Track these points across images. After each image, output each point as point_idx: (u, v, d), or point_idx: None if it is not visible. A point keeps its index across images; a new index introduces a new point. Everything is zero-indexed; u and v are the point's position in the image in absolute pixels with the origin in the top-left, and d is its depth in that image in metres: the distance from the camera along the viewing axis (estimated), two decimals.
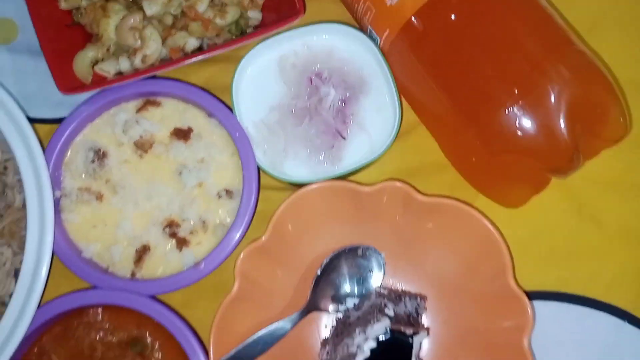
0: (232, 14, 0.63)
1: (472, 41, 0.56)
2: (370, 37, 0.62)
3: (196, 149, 0.61)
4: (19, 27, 0.68)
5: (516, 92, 0.53)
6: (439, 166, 0.64)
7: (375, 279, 0.61)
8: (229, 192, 0.61)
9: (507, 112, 0.53)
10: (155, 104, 0.62)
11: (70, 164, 0.61)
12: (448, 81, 0.57)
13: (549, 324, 0.62)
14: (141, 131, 0.62)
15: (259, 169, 0.60)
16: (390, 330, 0.53)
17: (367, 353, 0.52)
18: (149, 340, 0.58)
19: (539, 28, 0.57)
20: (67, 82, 0.60)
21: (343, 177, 0.62)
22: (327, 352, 0.57)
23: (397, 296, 0.60)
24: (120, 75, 0.62)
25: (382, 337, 0.52)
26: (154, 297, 0.59)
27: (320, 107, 0.61)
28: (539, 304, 0.62)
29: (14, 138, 0.58)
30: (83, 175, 0.61)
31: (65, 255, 0.58)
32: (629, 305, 0.63)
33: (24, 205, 0.59)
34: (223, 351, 0.57)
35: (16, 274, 0.58)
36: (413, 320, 0.56)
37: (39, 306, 0.56)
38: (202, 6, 0.62)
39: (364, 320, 0.56)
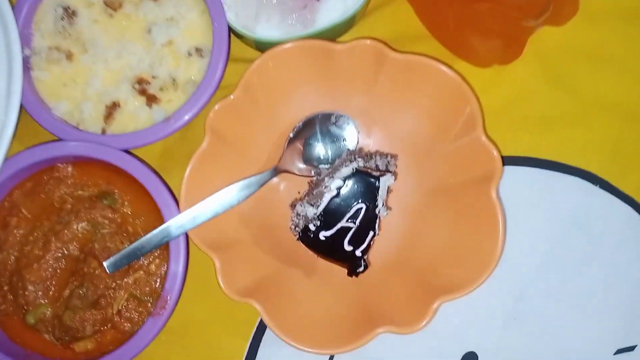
0: None
1: None
2: None
3: (166, 7, 0.60)
4: None
5: None
6: (415, 37, 0.64)
7: (348, 146, 0.62)
8: (199, 50, 0.60)
9: None
10: None
11: (39, 23, 0.61)
12: None
13: (520, 188, 0.62)
14: None
15: (229, 30, 0.60)
16: (358, 171, 0.53)
17: (334, 191, 0.53)
18: (118, 195, 0.59)
19: None
20: None
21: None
22: (297, 214, 0.57)
23: (368, 155, 0.60)
24: None
25: (349, 173, 0.52)
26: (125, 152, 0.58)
27: None
28: (510, 169, 0.62)
29: None
30: (53, 34, 0.60)
31: (35, 110, 0.58)
32: (600, 170, 0.63)
33: None
34: (193, 203, 0.57)
35: None
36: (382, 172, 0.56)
37: (7, 158, 0.56)
38: None
39: (333, 171, 0.56)
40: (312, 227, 0.54)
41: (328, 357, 0.60)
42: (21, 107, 0.57)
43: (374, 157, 0.59)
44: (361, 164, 0.55)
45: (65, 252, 0.57)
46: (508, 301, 0.60)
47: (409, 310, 0.54)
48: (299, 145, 0.61)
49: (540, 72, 0.64)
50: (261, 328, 0.60)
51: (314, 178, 0.61)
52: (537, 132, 0.63)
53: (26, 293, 0.55)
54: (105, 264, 0.54)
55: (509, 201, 0.60)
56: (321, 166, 0.61)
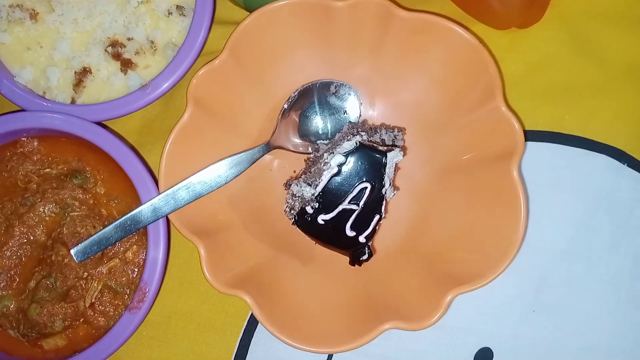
0: None
1: None
2: None
3: None
4: None
5: None
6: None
7: (350, 119, 0.55)
8: (180, 8, 0.53)
9: None
10: None
11: None
12: None
13: (542, 167, 0.56)
14: None
15: None
16: (362, 145, 0.47)
17: (335, 168, 0.46)
18: (90, 174, 0.52)
19: None
20: None
21: None
22: (293, 195, 0.51)
23: (372, 128, 0.54)
24: None
25: (351, 148, 0.46)
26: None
27: None
28: (531, 145, 0.56)
29: None
30: None
31: None
32: (629, 146, 0.57)
33: None
34: (174, 183, 0.51)
35: None
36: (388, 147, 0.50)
37: None
38: None
39: (334, 146, 0.50)
40: (309, 210, 0.48)
41: (327, 355, 0.54)
42: None
43: (379, 131, 0.53)
44: (365, 137, 0.49)
45: (31, 237, 0.51)
46: (527, 291, 0.55)
47: (419, 304, 0.48)
48: (294, 117, 0.54)
49: (564, 37, 0.58)
50: (252, 323, 0.54)
51: (312, 155, 0.54)
52: (560, 104, 0.57)
53: None
54: (72, 251, 0.48)
55: (529, 181, 0.54)
56: (319, 141, 0.54)
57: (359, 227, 0.48)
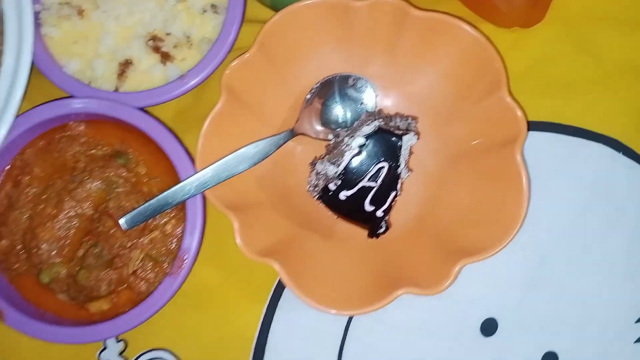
0: None
1: None
2: None
3: None
4: None
5: None
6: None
7: (367, 109, 0.60)
8: (213, 7, 0.58)
9: None
10: None
11: None
12: None
13: (543, 155, 0.61)
14: None
15: None
16: (380, 129, 0.52)
17: (356, 149, 0.51)
18: (132, 155, 0.57)
19: None
20: None
21: None
22: (317, 173, 0.56)
23: (387, 116, 0.58)
24: None
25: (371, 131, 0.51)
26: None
27: None
28: (533, 135, 0.61)
29: None
30: None
31: (46, 67, 0.57)
32: (624, 137, 0.61)
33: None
34: (209, 163, 0.55)
35: None
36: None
37: (18, 115, 0.54)
38: None
39: (353, 131, 0.55)
40: (332, 187, 0.53)
41: (346, 321, 0.59)
42: (32, 64, 0.56)
43: (394, 118, 0.58)
44: (382, 123, 0.53)
45: (79, 211, 0.56)
46: (529, 267, 0.59)
47: (430, 272, 0.52)
48: (316, 106, 0.59)
49: (564, 36, 0.62)
50: (277, 293, 0.59)
51: (332, 141, 0.59)
52: (560, 97, 0.62)
53: (40, 252, 0.54)
54: (121, 220, 0.53)
55: (531, 167, 0.58)
56: (338, 130, 0.59)
57: (377, 202, 0.53)
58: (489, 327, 0.59)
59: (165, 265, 0.56)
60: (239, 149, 0.56)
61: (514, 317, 0.59)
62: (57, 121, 0.57)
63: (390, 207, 0.53)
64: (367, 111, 0.59)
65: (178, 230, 0.56)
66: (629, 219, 0.60)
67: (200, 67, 0.57)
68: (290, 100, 0.61)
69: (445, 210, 0.58)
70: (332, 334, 0.59)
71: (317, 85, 0.60)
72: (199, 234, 0.54)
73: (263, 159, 0.57)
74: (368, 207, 0.53)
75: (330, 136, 0.59)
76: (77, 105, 0.55)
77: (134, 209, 0.54)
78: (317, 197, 0.54)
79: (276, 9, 0.59)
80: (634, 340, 0.59)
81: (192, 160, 0.56)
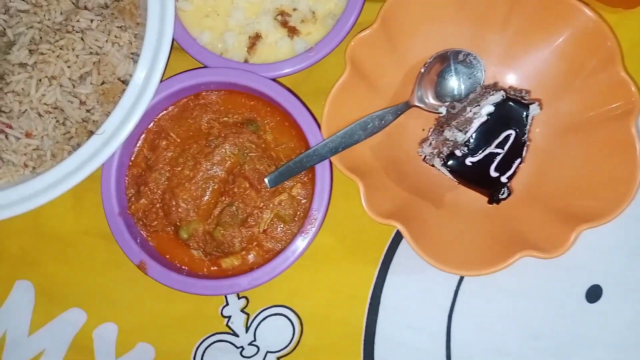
0: None
1: None
2: None
3: None
4: None
5: None
6: None
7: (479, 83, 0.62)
8: None
9: None
10: None
11: None
12: None
13: None
14: None
15: None
16: (508, 98, 0.54)
17: (484, 117, 0.54)
18: (261, 123, 0.61)
19: None
20: None
21: None
22: (445, 140, 0.58)
23: (503, 89, 0.61)
24: None
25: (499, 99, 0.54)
26: None
27: None
28: None
29: None
30: None
31: (182, 38, 0.60)
32: None
33: None
34: (333, 130, 0.59)
35: (134, 59, 0.60)
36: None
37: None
38: None
39: (473, 102, 0.58)
40: (458, 153, 0.56)
41: (456, 284, 0.62)
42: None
43: (508, 91, 0.60)
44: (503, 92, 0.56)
45: (214, 173, 0.59)
46: (634, 235, 0.61)
47: (550, 237, 0.55)
48: (431, 79, 0.62)
49: None
50: (388, 257, 0.63)
51: (442, 114, 0.62)
52: None
53: (179, 210, 0.58)
54: (266, 179, 0.57)
55: None
56: (453, 102, 0.62)
57: (502, 169, 0.56)
58: (593, 294, 0.61)
59: (293, 225, 0.59)
60: (359, 118, 0.60)
61: (619, 284, 0.61)
62: (191, 90, 0.61)
63: (514, 173, 0.56)
64: (481, 85, 0.62)
65: (302, 193, 0.60)
66: None
67: (326, 40, 0.60)
68: (401, 73, 0.64)
69: (553, 180, 0.60)
70: (443, 295, 0.62)
71: (431, 59, 0.62)
72: (327, 196, 0.58)
73: (382, 129, 0.60)
74: (493, 174, 0.56)
75: (442, 109, 0.63)
76: (212, 74, 0.59)
77: (268, 172, 0.58)
78: (442, 163, 0.57)
79: None
80: None
81: (319, 127, 0.59)
